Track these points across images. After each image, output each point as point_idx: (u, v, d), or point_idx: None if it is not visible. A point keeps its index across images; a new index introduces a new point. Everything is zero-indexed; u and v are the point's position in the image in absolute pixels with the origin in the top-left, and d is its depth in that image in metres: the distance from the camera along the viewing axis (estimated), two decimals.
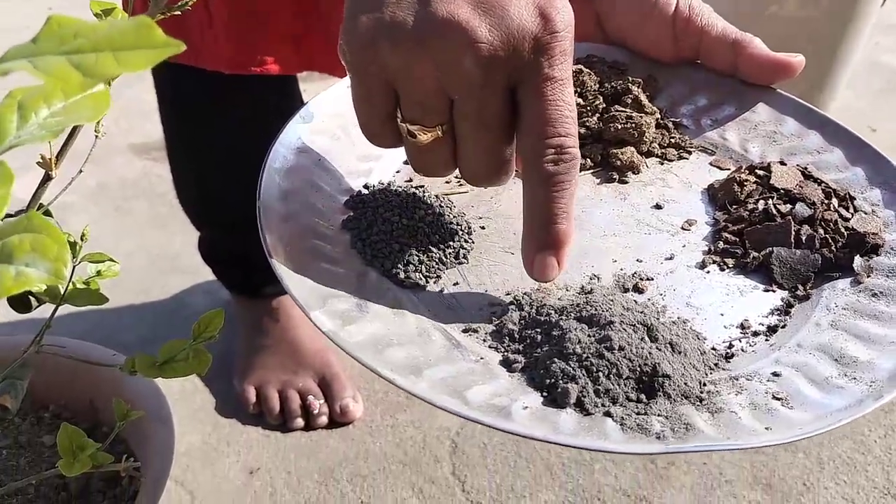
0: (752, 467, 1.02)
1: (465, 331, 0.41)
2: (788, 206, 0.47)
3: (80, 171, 0.52)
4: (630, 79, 0.56)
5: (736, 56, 0.55)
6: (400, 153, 0.52)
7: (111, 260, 0.55)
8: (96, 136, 0.50)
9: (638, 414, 0.36)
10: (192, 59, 0.80)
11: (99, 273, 0.54)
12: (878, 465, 1.04)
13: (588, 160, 0.53)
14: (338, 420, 1.05)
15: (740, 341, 0.42)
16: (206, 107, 0.90)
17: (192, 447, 1.04)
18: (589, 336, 0.38)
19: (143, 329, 1.19)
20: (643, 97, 0.55)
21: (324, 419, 1.04)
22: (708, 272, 0.45)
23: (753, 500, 1.00)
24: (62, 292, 0.50)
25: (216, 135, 0.92)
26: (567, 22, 0.38)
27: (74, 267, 0.49)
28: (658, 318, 0.40)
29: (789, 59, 0.54)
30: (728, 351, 0.41)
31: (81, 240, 0.53)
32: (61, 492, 0.68)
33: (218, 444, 1.04)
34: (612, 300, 0.41)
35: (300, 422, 1.04)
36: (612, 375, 0.37)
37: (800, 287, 0.44)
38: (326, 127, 0.51)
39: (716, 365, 0.40)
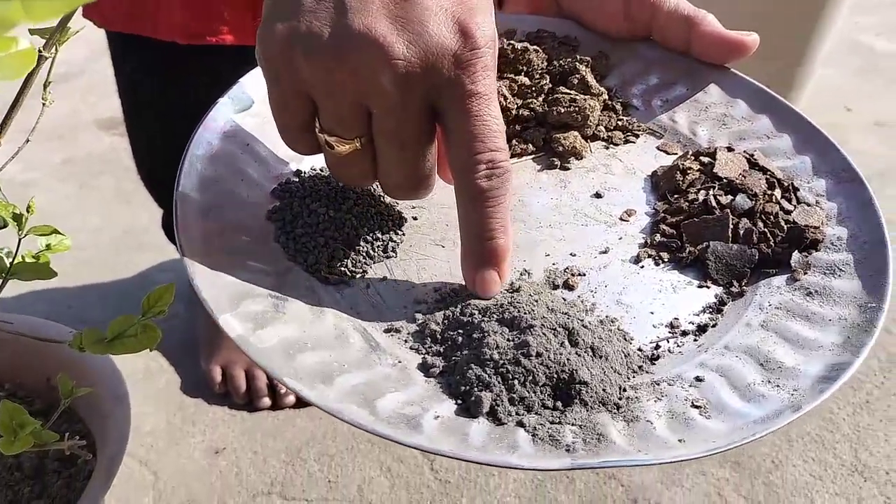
0: None
1: (387, 330, 0.40)
2: (729, 197, 0.46)
3: (27, 141, 0.50)
4: (578, 58, 0.54)
5: (689, 33, 0.53)
6: None
7: (57, 232, 0.53)
8: (43, 104, 0.48)
9: (552, 423, 0.35)
10: (146, 30, 0.78)
11: (48, 247, 0.53)
12: (847, 443, 1.05)
13: (530, 144, 0.51)
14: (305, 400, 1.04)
15: (668, 342, 0.41)
16: (162, 78, 0.87)
17: (156, 427, 1.03)
18: (508, 340, 0.37)
19: (109, 306, 1.18)
20: (590, 78, 0.53)
21: (291, 398, 1.04)
22: (642, 267, 0.44)
23: (722, 478, 1.00)
24: (8, 266, 0.49)
25: (173, 108, 0.90)
26: (489, 37, 0.37)
27: (20, 240, 0.48)
28: (583, 320, 0.39)
29: (742, 37, 0.52)
30: (654, 352, 0.40)
31: (28, 212, 0.52)
32: (14, 472, 0.68)
33: (183, 424, 1.04)
34: (536, 301, 0.40)
35: (267, 401, 1.04)
36: (527, 383, 0.36)
37: (735, 283, 0.43)
38: (257, 109, 0.49)
39: (640, 368, 0.39)
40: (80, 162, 1.51)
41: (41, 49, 0.40)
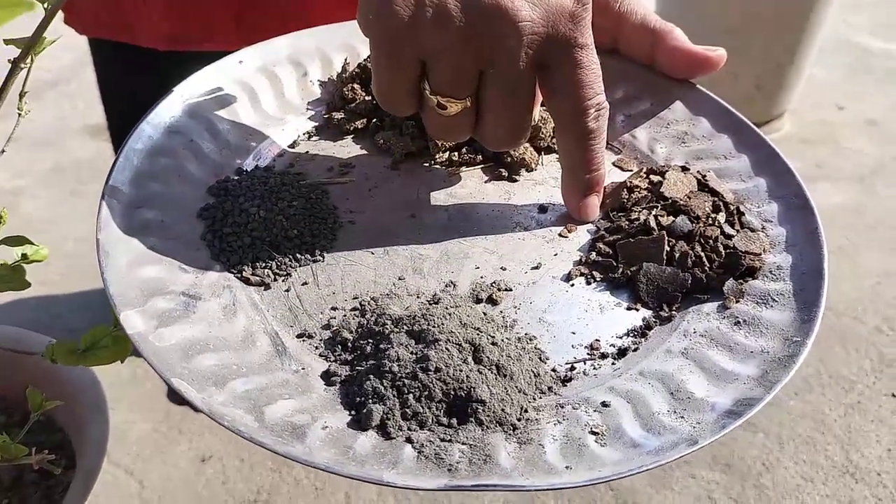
0: (711, 447, 1.01)
1: (299, 336, 0.40)
2: (671, 218, 0.45)
3: (3, 151, 0.50)
4: None
5: (655, 47, 0.52)
6: (284, 137, 0.51)
7: (29, 243, 0.53)
8: (19, 115, 0.49)
9: (442, 441, 0.34)
10: (126, 36, 0.78)
11: (24, 257, 0.53)
12: (838, 445, 1.02)
13: (479, 154, 0.51)
14: None
15: (585, 363, 0.40)
16: (143, 85, 0.88)
17: (142, 435, 1.04)
18: (411, 353, 0.37)
19: (95, 314, 1.19)
20: None
21: None
22: (572, 285, 0.43)
23: (712, 481, 0.99)
24: None
25: None
26: None
27: None
28: (495, 336, 0.39)
29: (708, 53, 0.51)
30: (568, 374, 0.39)
31: (0, 220, 0.52)
32: None
33: (169, 432, 1.05)
34: (450, 314, 0.39)
35: None
36: (423, 398, 0.35)
37: (665, 307, 0.42)
38: (207, 104, 0.49)
39: (549, 389, 0.38)
40: (68, 169, 1.53)
41: (16, 60, 0.40)
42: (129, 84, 0.88)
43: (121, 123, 0.95)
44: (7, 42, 0.42)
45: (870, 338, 1.18)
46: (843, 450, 1.01)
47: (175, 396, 1.08)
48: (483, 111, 0.42)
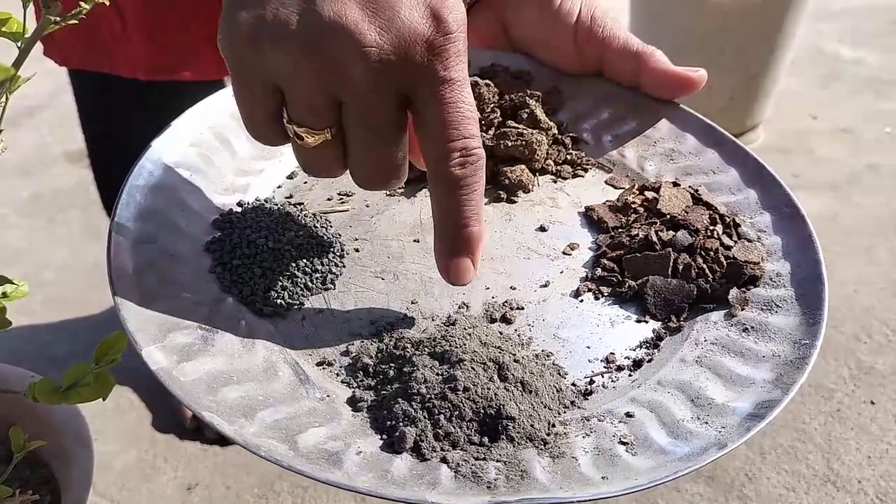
0: None
1: (319, 364, 0.40)
2: (671, 233, 0.46)
3: None
4: (528, 92, 0.55)
5: (637, 69, 0.54)
6: (281, 168, 0.51)
7: (9, 282, 0.51)
8: None
9: (477, 459, 0.35)
10: (105, 66, 0.78)
11: (5, 295, 0.52)
12: (819, 453, 1.04)
13: None
14: None
15: (603, 377, 0.40)
16: (124, 115, 0.87)
17: (128, 464, 1.02)
18: (437, 375, 0.37)
19: (77, 343, 1.17)
20: (539, 112, 0.53)
21: None
22: (581, 301, 0.44)
23: (696, 493, 1.00)
24: None
25: (135, 144, 0.90)
26: (460, 22, 0.36)
27: None
28: (516, 354, 0.39)
29: (689, 74, 0.53)
30: (588, 387, 0.40)
31: None
32: None
33: (155, 461, 1.03)
34: (469, 334, 0.39)
35: None
36: (454, 418, 0.36)
37: (673, 318, 0.43)
38: (202, 139, 0.49)
39: (572, 403, 0.39)
40: (47, 197, 1.51)
41: None
42: (109, 113, 0.88)
43: (101, 151, 0.94)
44: None
45: (848, 346, 1.22)
46: (824, 458, 1.04)
47: (162, 424, 1.06)
48: (347, 147, 0.38)
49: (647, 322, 0.43)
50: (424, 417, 0.36)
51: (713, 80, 0.54)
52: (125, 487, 0.99)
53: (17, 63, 0.39)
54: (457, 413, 0.36)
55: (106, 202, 1.02)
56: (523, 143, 0.51)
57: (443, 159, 0.37)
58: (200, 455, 1.03)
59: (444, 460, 0.35)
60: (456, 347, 0.38)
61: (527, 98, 0.54)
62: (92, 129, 0.92)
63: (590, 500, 0.33)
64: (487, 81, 0.55)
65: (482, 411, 0.36)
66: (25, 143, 1.65)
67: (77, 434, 0.68)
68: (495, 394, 0.36)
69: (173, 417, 1.06)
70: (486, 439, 0.36)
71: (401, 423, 0.36)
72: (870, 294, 1.29)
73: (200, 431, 1.04)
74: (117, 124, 0.88)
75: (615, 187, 0.52)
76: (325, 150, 0.38)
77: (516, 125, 0.53)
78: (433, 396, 0.36)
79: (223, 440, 1.03)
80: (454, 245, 0.39)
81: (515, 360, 0.38)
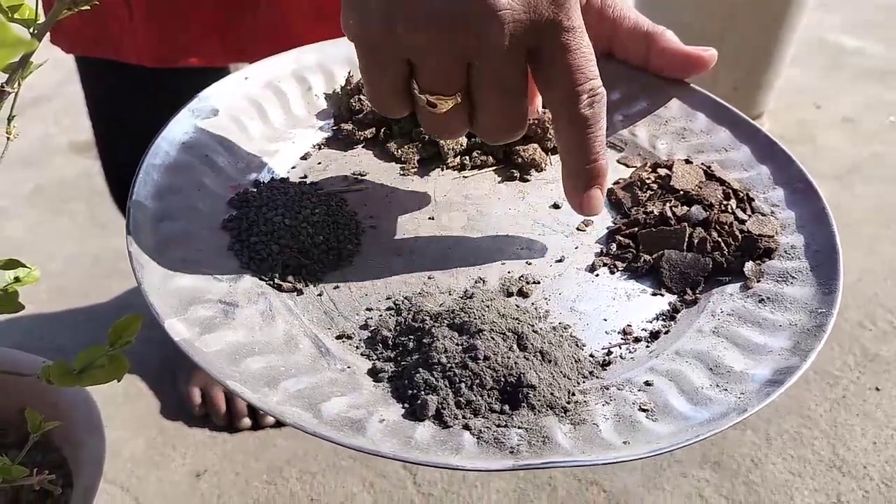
0: (700, 446, 1.02)
1: (338, 337, 0.40)
2: (686, 208, 0.46)
3: None
4: None
5: (648, 49, 0.54)
6: (296, 149, 0.51)
7: (22, 266, 0.52)
8: (8, 139, 0.48)
9: (498, 426, 0.35)
10: (112, 54, 0.78)
11: (17, 280, 0.52)
12: (825, 439, 1.04)
13: (490, 157, 0.52)
14: None
15: (620, 348, 0.41)
16: (132, 102, 0.88)
17: (136, 452, 1.02)
18: (457, 345, 0.37)
19: (85, 333, 1.17)
20: None
21: (271, 418, 1.03)
22: (597, 275, 0.44)
23: (703, 479, 1.00)
24: None
25: (143, 131, 0.90)
26: None
27: None
28: (534, 325, 0.39)
29: (700, 52, 0.53)
30: (606, 358, 0.40)
31: None
32: None
33: (163, 448, 1.03)
34: (488, 306, 0.40)
35: (247, 421, 1.03)
36: (475, 386, 0.36)
37: (688, 291, 0.44)
38: (218, 121, 0.49)
39: (590, 373, 0.39)
40: (52, 187, 1.51)
41: (4, 84, 0.40)
42: (117, 100, 0.88)
43: (109, 139, 0.95)
44: None
45: (853, 333, 1.22)
46: (829, 444, 1.04)
47: (170, 412, 1.06)
48: (476, 106, 0.41)
49: (662, 295, 0.44)
50: (445, 386, 0.36)
51: (717, 70, 0.55)
52: (134, 474, 0.99)
53: (28, 53, 0.39)
54: (477, 381, 0.36)
55: (114, 191, 1.02)
56: (536, 121, 0.52)
57: (573, 100, 0.39)
58: (209, 442, 1.03)
59: (466, 427, 0.35)
60: (475, 318, 0.38)
61: None
62: (99, 117, 0.92)
63: (612, 463, 0.33)
64: None
65: (503, 380, 0.36)
66: (30, 133, 1.65)
67: (88, 420, 0.69)
68: (515, 363, 0.37)
69: (181, 405, 1.06)
70: (506, 407, 0.36)
71: (422, 392, 0.36)
72: (873, 282, 1.29)
73: (208, 418, 1.04)
74: (125, 111, 0.89)
75: (627, 166, 0.52)
76: (455, 112, 0.40)
77: None
78: (454, 365, 0.36)
79: (231, 427, 1.03)
80: (588, 179, 0.42)
81: (534, 331, 0.39)
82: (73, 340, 1.16)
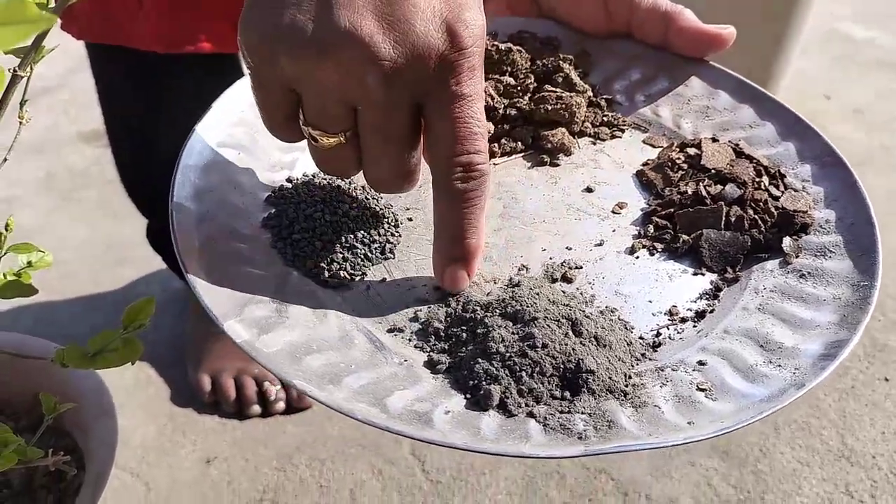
0: None
1: (390, 330, 0.40)
2: (719, 186, 0.47)
3: (5, 160, 0.49)
4: (561, 56, 0.55)
5: (666, 29, 0.54)
6: None
7: (38, 250, 0.52)
8: (20, 123, 0.48)
9: (562, 412, 0.35)
10: (122, 40, 0.77)
11: (30, 264, 0.52)
12: (833, 429, 1.06)
13: (519, 143, 0.52)
14: (295, 405, 1.04)
15: (668, 329, 0.41)
16: (142, 87, 0.87)
17: (147, 438, 1.02)
18: (513, 334, 0.38)
19: (95, 320, 1.17)
20: (574, 75, 0.54)
21: (281, 405, 1.03)
22: (637, 257, 0.45)
23: (711, 468, 1.01)
24: None
25: (153, 116, 0.89)
26: (476, 37, 0.37)
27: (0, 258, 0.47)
28: (584, 310, 0.40)
29: (719, 31, 0.53)
30: (656, 340, 0.40)
31: (6, 230, 0.51)
32: (3, 489, 0.67)
33: (173, 435, 1.03)
34: (538, 294, 0.40)
35: (257, 408, 1.03)
36: (535, 374, 0.36)
37: (729, 269, 0.44)
38: (246, 118, 0.49)
39: (643, 355, 0.39)
40: (62, 176, 1.50)
41: (16, 69, 0.40)
42: (127, 87, 0.88)
43: (120, 126, 0.94)
44: (6, 51, 0.41)
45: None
46: (838, 434, 1.05)
47: (180, 399, 1.07)
48: (361, 151, 0.39)
49: (703, 274, 0.44)
50: (506, 375, 0.36)
51: (727, 61, 0.55)
52: (145, 461, 1.00)
53: (41, 34, 0.39)
54: (538, 369, 0.36)
55: (125, 179, 1.01)
56: (563, 105, 0.52)
57: (447, 171, 0.38)
58: (219, 429, 1.04)
59: (530, 415, 0.35)
60: (528, 307, 0.39)
61: (560, 62, 0.54)
62: (109, 105, 0.92)
63: (682, 444, 0.33)
64: (519, 48, 0.55)
65: (562, 366, 0.37)
66: (39, 122, 1.63)
67: (99, 405, 0.69)
68: (573, 349, 0.37)
69: (191, 392, 1.06)
70: (567, 393, 0.36)
71: (484, 382, 0.36)
72: (884, 273, 1.31)
73: (218, 405, 1.04)
74: (135, 99, 0.88)
75: (654, 146, 0.53)
76: (339, 151, 0.39)
77: (553, 89, 0.53)
78: (513, 354, 0.37)
79: (241, 414, 1.03)
80: (451, 254, 0.40)
81: (586, 316, 0.39)
82: (84, 327, 1.15)
